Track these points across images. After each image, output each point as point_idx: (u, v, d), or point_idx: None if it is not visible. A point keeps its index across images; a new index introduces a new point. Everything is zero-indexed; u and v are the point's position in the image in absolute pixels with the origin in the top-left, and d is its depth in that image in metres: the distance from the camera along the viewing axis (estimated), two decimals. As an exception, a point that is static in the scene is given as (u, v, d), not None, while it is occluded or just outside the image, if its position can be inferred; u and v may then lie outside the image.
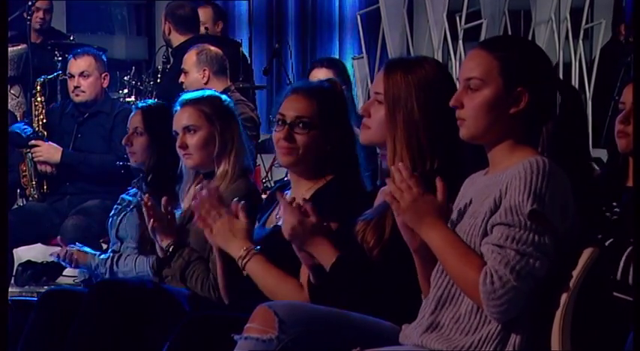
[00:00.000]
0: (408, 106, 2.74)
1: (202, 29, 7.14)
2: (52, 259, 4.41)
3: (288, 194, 3.18)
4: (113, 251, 4.15)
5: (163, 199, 3.60)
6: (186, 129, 3.67)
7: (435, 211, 2.43)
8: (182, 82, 5.79)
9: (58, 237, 4.40)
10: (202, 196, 3.14)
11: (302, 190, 3.18)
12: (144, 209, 3.56)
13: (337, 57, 9.56)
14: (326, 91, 3.21)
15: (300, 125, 3.14)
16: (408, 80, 2.76)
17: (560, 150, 2.46)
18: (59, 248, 4.22)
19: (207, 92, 3.83)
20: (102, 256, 4.10)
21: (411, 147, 2.72)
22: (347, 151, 3.16)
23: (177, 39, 6.55)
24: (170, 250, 3.54)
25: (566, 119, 2.49)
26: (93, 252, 4.16)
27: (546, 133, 2.46)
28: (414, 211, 2.43)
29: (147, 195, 3.77)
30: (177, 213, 3.71)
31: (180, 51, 6.46)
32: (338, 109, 3.19)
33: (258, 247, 3.10)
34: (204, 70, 5.75)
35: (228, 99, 3.81)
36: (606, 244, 3.06)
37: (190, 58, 5.80)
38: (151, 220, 3.54)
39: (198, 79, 5.73)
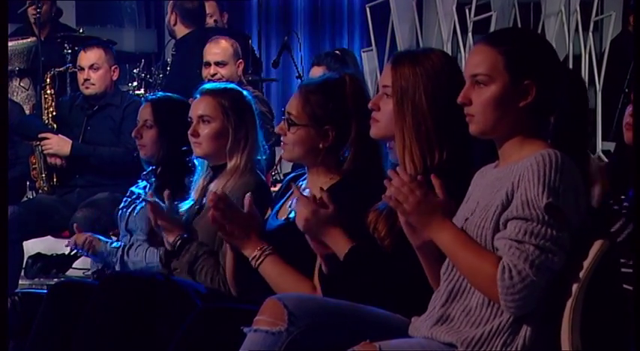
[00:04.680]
0: (415, 97, 2.73)
1: (211, 22, 7.16)
2: (66, 248, 4.41)
3: (302, 185, 3.18)
4: (123, 244, 4.16)
5: (166, 193, 3.61)
6: (201, 118, 3.67)
7: (440, 211, 2.42)
8: (215, 74, 5.71)
9: (75, 224, 4.39)
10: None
11: (317, 186, 3.17)
12: (148, 208, 3.56)
13: (347, 48, 9.55)
14: (323, 87, 3.15)
15: (288, 122, 3.15)
16: (416, 72, 2.75)
17: (562, 140, 2.45)
18: (73, 237, 4.23)
19: (231, 85, 3.82)
20: (114, 245, 4.12)
21: (420, 138, 2.72)
22: (359, 146, 3.10)
23: (181, 31, 6.54)
24: (177, 244, 3.55)
25: (571, 108, 2.48)
26: (105, 240, 4.19)
27: (552, 124, 2.45)
28: (420, 213, 2.43)
29: (150, 193, 3.78)
30: (187, 205, 3.72)
31: (183, 43, 6.47)
32: (337, 104, 3.12)
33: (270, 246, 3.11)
34: (240, 61, 5.77)
35: (250, 96, 3.79)
36: (624, 234, 3.05)
37: (227, 50, 5.78)
38: (155, 218, 3.55)
39: (235, 71, 5.73)
